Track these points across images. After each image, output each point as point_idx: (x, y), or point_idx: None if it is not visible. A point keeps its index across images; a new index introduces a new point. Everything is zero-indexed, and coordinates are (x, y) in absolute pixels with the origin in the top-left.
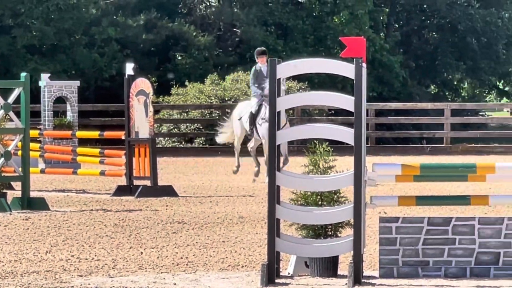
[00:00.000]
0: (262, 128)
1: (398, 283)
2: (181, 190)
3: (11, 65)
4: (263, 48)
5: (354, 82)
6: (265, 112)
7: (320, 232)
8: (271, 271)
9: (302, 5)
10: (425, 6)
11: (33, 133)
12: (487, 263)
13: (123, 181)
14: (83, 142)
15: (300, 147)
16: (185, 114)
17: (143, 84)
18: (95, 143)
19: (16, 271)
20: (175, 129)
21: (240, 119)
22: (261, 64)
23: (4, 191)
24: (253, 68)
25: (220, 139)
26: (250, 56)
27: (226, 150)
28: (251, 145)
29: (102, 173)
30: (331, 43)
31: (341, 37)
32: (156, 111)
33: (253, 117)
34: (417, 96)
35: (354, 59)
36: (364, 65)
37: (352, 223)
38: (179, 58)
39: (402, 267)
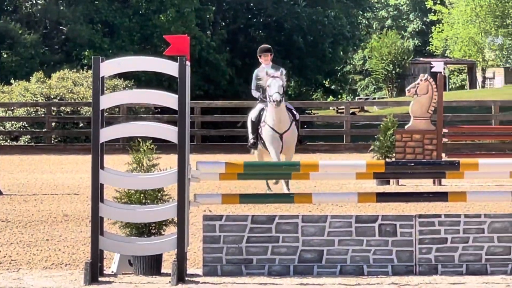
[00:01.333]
0: (263, 131)
1: (221, 281)
2: (6, 188)
3: None
4: (268, 46)
5: (178, 80)
6: (265, 115)
7: (143, 230)
8: (95, 269)
9: (129, 3)
10: (251, 4)
11: None
12: (311, 261)
13: None
14: None
15: (125, 145)
16: (11, 112)
17: None
18: None
19: None
20: (0, 127)
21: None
22: (265, 64)
23: None
24: (255, 72)
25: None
26: (76, 54)
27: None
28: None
29: None
30: (158, 41)
31: (165, 35)
32: None
33: (253, 125)
34: (243, 94)
35: (178, 57)
36: (188, 63)
37: (176, 221)
38: (5, 56)
39: (225, 265)
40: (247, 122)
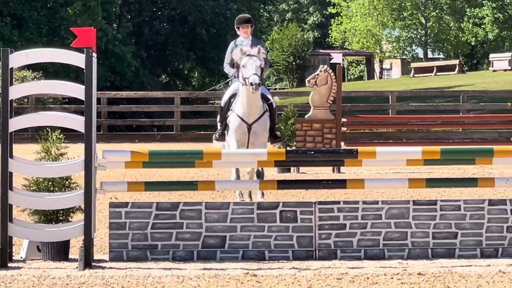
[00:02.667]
0: (230, 121)
1: (127, 266)
2: None
3: None
4: (247, 16)
5: (85, 71)
6: (235, 101)
7: (51, 217)
8: (4, 255)
9: None
10: None
11: None
12: (214, 247)
13: None
14: None
15: (34, 134)
16: None
17: None
18: None
19: None
20: None
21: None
22: (244, 37)
23: None
24: (231, 44)
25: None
26: None
27: None
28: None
29: None
30: (65, 33)
31: (72, 28)
32: None
33: (222, 111)
34: (148, 85)
35: (85, 49)
36: (95, 55)
37: (83, 208)
38: None
39: (131, 250)
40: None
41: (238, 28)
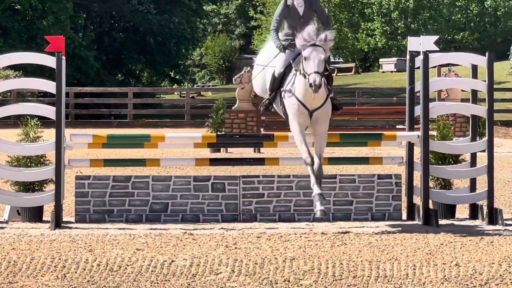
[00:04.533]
0: (288, 102)
1: (90, 226)
2: None
3: None
4: None
5: (56, 71)
6: (293, 81)
7: (29, 187)
8: None
9: (18, 11)
10: (114, 12)
11: None
12: (159, 211)
13: None
14: None
15: (15, 121)
16: None
17: None
18: None
19: None
20: None
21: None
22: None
23: None
24: (281, 3)
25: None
26: None
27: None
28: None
29: None
30: (41, 40)
31: (46, 36)
32: None
33: (274, 83)
34: (107, 82)
35: (56, 53)
36: (64, 58)
37: (54, 180)
38: None
39: (93, 214)
40: (264, 72)
41: None
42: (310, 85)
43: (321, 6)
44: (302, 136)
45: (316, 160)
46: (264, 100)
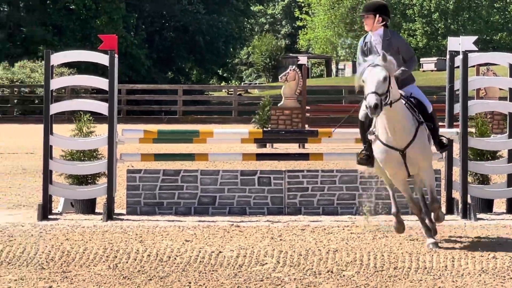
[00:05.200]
0: (374, 148)
1: (140, 218)
2: None
3: None
4: (373, 1)
5: (108, 68)
6: (375, 120)
7: (82, 180)
8: (45, 209)
9: (73, 10)
10: (164, 12)
11: None
12: (207, 204)
13: None
14: None
15: (69, 117)
16: None
17: None
18: None
19: None
20: None
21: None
22: (370, 30)
23: None
24: (359, 42)
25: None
26: (33, 49)
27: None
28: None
29: None
30: (94, 39)
31: (100, 35)
32: None
33: (363, 130)
34: (158, 80)
35: (109, 51)
36: (116, 56)
37: (106, 174)
38: None
39: (143, 207)
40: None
41: (362, 18)
42: (367, 106)
43: (404, 44)
44: (405, 187)
45: (433, 204)
46: (360, 152)
